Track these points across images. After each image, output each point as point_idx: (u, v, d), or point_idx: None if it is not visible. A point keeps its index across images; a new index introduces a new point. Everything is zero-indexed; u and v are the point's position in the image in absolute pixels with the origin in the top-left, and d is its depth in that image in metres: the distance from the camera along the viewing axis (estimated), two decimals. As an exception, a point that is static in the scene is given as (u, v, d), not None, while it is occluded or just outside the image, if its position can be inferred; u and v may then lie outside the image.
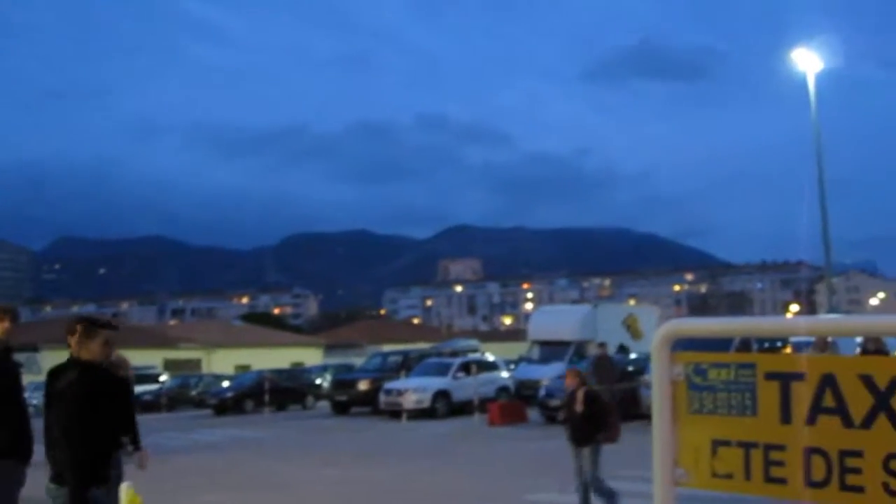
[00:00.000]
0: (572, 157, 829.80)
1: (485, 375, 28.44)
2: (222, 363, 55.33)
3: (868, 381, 2.11)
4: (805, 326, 2.36)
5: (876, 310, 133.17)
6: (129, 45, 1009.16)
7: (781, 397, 2.23)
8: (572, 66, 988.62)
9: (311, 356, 60.11)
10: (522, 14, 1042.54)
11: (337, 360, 52.56)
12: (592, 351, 26.26)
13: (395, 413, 26.66)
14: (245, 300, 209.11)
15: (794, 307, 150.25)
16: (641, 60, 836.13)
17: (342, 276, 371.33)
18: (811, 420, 2.18)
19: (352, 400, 30.13)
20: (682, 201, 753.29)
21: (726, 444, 2.30)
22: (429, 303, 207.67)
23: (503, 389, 28.39)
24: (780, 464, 2.22)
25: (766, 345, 19.18)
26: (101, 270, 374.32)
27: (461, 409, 26.76)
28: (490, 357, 33.18)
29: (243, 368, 50.52)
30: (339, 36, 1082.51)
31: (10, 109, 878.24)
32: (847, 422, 2.14)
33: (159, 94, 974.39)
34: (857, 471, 2.11)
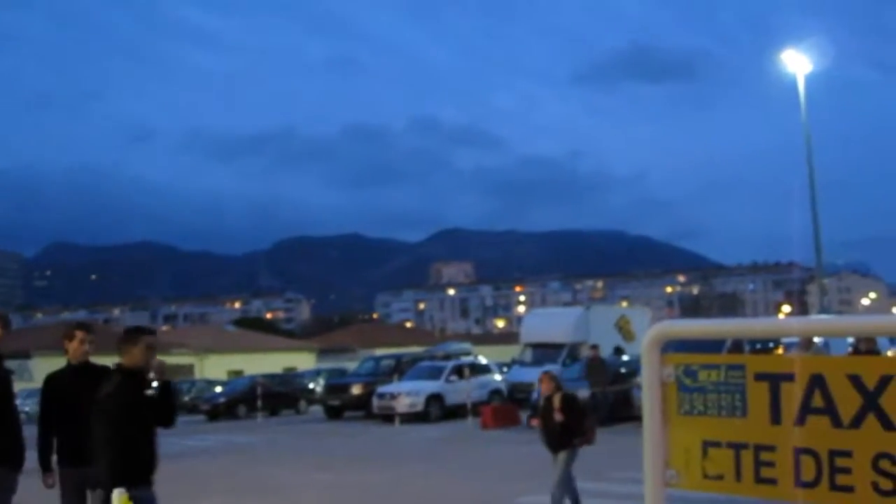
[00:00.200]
0: (565, 159, 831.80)
1: (478, 379, 28.44)
2: (215, 368, 55.20)
3: (856, 381, 2.12)
4: (794, 327, 2.37)
5: (867, 310, 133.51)
6: (120, 50, 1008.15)
7: (771, 398, 2.24)
8: (565, 69, 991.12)
9: (303, 361, 60.02)
10: (515, 17, 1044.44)
11: (330, 364, 52.49)
12: (585, 353, 26.27)
13: (388, 417, 26.63)
14: (237, 305, 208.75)
15: (786, 308, 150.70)
16: (633, 63, 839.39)
17: (335, 280, 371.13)
18: (801, 420, 2.19)
19: (345, 404, 30.08)
20: (674, 203, 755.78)
21: (717, 445, 2.30)
22: (421, 306, 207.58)
23: (496, 392, 28.39)
24: (770, 464, 2.22)
25: (759, 346, 19.23)
26: (93, 276, 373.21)
27: (454, 412, 26.74)
28: (483, 360, 33.18)
29: (236, 374, 50.41)
30: (332, 39, 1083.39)
31: (1, 114, 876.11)
32: (836, 422, 2.15)
33: (151, 99, 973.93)
34: (846, 470, 2.12)
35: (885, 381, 2.09)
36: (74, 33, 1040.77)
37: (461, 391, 26.64)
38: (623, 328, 31.47)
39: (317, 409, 33.24)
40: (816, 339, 18.12)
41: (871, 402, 2.10)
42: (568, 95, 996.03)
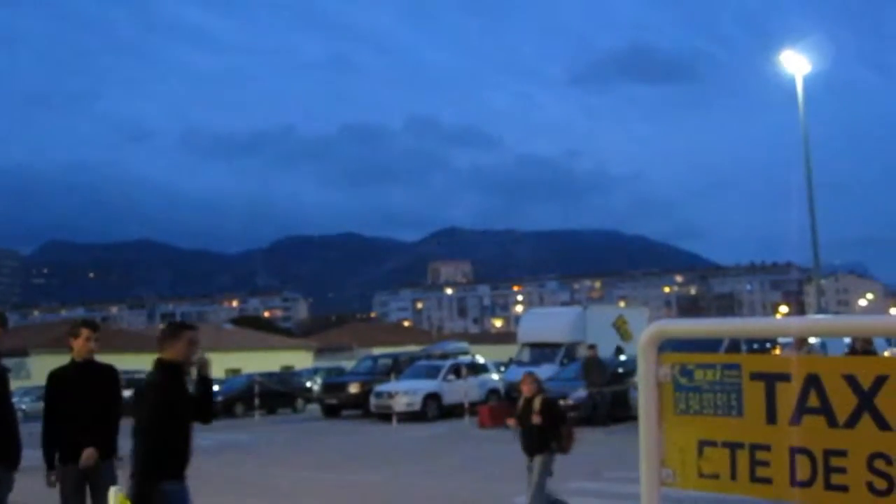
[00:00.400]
0: (562, 159, 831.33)
1: (475, 378, 28.45)
2: (212, 367, 55.14)
3: (852, 381, 2.13)
4: (789, 327, 2.38)
5: (864, 311, 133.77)
6: (117, 49, 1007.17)
7: (767, 398, 2.25)
8: (562, 69, 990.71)
9: (301, 359, 59.97)
10: (512, 17, 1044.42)
11: (327, 363, 52.50)
12: (582, 353, 26.29)
13: (385, 416, 26.63)
14: (235, 304, 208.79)
15: (784, 308, 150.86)
16: (631, 63, 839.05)
17: (332, 279, 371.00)
18: (796, 420, 2.20)
19: (342, 403, 30.08)
20: (672, 203, 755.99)
21: (712, 444, 2.31)
22: (419, 305, 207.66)
23: (493, 392, 28.39)
24: (765, 464, 2.23)
25: (755, 346, 19.25)
26: (91, 274, 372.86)
27: (451, 411, 26.74)
28: (480, 359, 33.19)
29: (233, 372, 50.32)
30: (328, 39, 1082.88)
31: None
32: (832, 421, 2.16)
33: (148, 98, 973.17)
34: (841, 470, 2.13)
35: (880, 381, 2.10)
36: (71, 32, 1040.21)
37: (458, 390, 26.64)
38: (620, 328, 31.47)
39: (314, 408, 33.22)
40: (813, 340, 18.18)
41: (866, 402, 2.11)
42: (565, 95, 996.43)
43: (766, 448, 2.23)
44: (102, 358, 7.07)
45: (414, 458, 17.61)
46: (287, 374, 42.42)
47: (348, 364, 42.54)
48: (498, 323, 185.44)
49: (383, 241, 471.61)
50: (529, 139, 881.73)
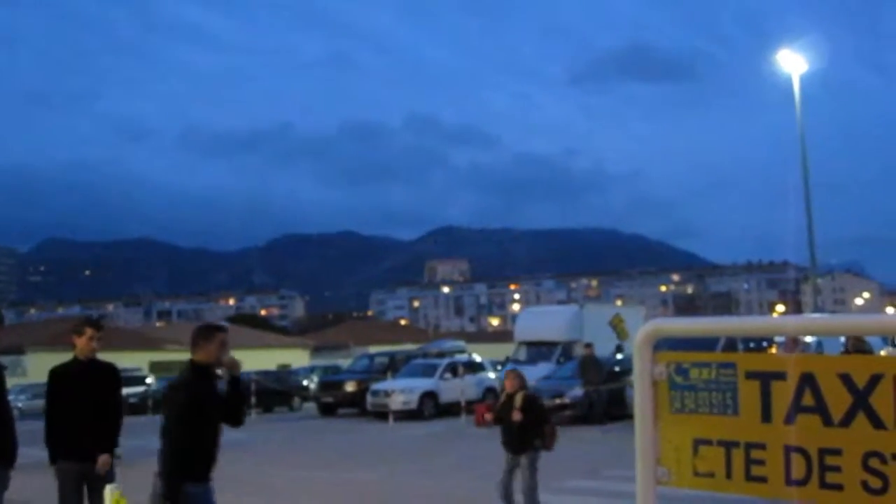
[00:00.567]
0: (560, 158, 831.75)
1: (472, 376, 28.46)
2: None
3: (847, 380, 2.13)
4: (785, 326, 2.38)
5: (861, 310, 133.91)
6: (115, 48, 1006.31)
7: (762, 396, 2.25)
8: (561, 68, 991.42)
9: (297, 358, 59.97)
10: (511, 16, 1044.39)
11: (324, 361, 52.49)
12: (579, 351, 26.29)
13: (382, 414, 26.62)
14: (232, 302, 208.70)
15: (780, 307, 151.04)
16: (630, 62, 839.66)
17: (329, 277, 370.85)
18: (791, 419, 2.20)
19: (339, 401, 30.08)
20: (669, 202, 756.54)
21: (708, 443, 2.32)
22: (416, 304, 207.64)
23: (490, 390, 28.38)
24: (760, 462, 2.24)
25: (752, 345, 19.26)
26: (88, 272, 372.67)
27: (448, 410, 26.75)
28: (477, 358, 33.18)
29: (230, 370, 50.31)
30: (327, 37, 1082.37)
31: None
32: (827, 420, 2.16)
33: (146, 96, 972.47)
34: (836, 469, 2.14)
35: (875, 380, 2.10)
36: (71, 31, 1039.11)
37: (455, 389, 26.65)
38: (617, 327, 31.48)
39: (311, 407, 33.21)
40: (809, 339, 18.19)
41: (861, 400, 2.12)
42: (564, 94, 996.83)
43: (762, 447, 2.23)
44: (98, 355, 7.07)
45: (410, 457, 17.62)
46: (284, 372, 42.38)
47: (345, 362, 42.57)
48: (495, 321, 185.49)
49: (381, 240, 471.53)
50: (528, 138, 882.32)
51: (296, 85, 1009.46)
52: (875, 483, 2.08)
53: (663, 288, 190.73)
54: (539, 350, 29.83)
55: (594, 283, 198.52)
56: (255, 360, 51.63)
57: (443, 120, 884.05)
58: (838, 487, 2.13)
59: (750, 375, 2.27)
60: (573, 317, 31.11)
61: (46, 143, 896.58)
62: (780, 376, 2.22)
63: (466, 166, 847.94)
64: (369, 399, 27.42)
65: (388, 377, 29.30)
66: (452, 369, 28.38)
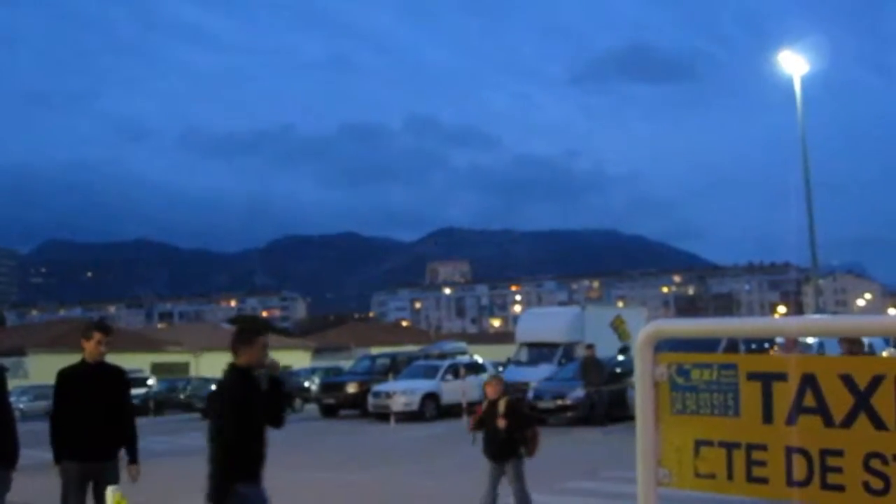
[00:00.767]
0: (561, 159, 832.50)
1: (473, 378, 28.41)
2: (210, 366, 55.04)
3: (848, 381, 2.13)
4: (787, 327, 2.38)
5: (862, 311, 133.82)
6: (115, 48, 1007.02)
7: (763, 397, 2.25)
8: (561, 69, 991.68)
9: (299, 359, 59.93)
10: (512, 16, 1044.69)
11: (325, 362, 52.44)
12: (580, 353, 26.27)
13: (383, 416, 26.61)
14: (233, 303, 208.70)
15: (782, 308, 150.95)
16: (630, 63, 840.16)
17: (330, 278, 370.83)
18: (792, 420, 2.20)
19: (340, 403, 30.07)
20: (670, 203, 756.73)
21: (709, 444, 2.32)
22: (417, 305, 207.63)
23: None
24: (761, 463, 2.24)
25: (754, 346, 19.25)
26: (89, 274, 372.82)
27: (449, 411, 26.73)
28: (478, 359, 33.16)
29: (231, 372, 50.28)
30: (328, 38, 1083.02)
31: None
32: (828, 421, 2.16)
33: (146, 97, 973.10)
34: (837, 470, 2.13)
35: (876, 381, 2.10)
36: (70, 31, 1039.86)
37: (456, 390, 26.63)
38: (618, 328, 31.46)
39: (312, 408, 33.21)
40: (811, 340, 18.18)
41: (862, 401, 2.11)
42: (564, 95, 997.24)
43: (763, 448, 2.23)
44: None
45: (412, 458, 17.61)
46: (285, 373, 42.34)
47: (346, 364, 42.51)
48: (496, 323, 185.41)
49: (382, 241, 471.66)
50: (528, 139, 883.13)
51: (296, 86, 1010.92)
52: (876, 484, 2.08)
53: (664, 289, 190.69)
54: (540, 351, 29.80)
55: (595, 284, 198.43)
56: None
57: (443, 121, 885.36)
58: (840, 488, 2.13)
59: (751, 376, 2.27)
60: (574, 318, 31.08)
61: (47, 143, 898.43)
62: (782, 377, 2.22)
63: (467, 167, 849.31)
64: (371, 400, 27.42)
65: (389, 379, 29.29)
66: (454, 371, 28.36)
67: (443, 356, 33.97)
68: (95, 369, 6.84)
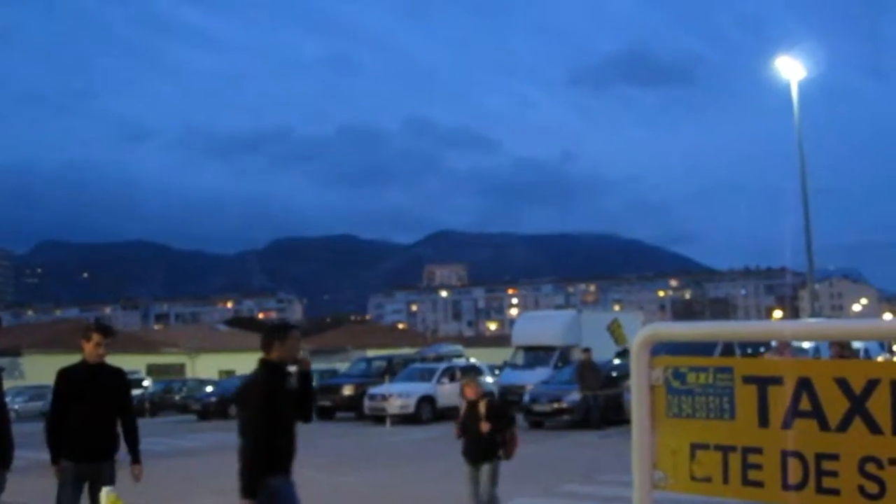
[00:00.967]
0: (558, 162, 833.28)
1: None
2: (206, 368, 55.08)
3: (844, 385, 2.14)
4: (782, 331, 2.39)
5: (858, 316, 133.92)
6: (113, 49, 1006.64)
7: (759, 401, 2.25)
8: (559, 72, 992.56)
9: (295, 361, 59.86)
10: (510, 19, 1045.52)
11: (321, 365, 52.35)
12: (577, 356, 26.28)
13: (379, 418, 26.60)
14: (229, 305, 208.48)
15: (778, 313, 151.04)
16: (628, 66, 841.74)
17: (327, 280, 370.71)
18: (788, 423, 2.20)
19: (336, 405, 30.05)
20: (667, 207, 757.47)
21: (705, 447, 2.32)
22: (414, 308, 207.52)
23: (488, 395, 28.35)
24: (757, 467, 2.24)
25: (750, 350, 19.28)
26: (85, 274, 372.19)
27: (445, 414, 26.68)
28: (475, 362, 33.15)
29: (227, 373, 50.31)
30: (326, 39, 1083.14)
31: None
32: (823, 425, 2.16)
33: (144, 98, 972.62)
34: (833, 473, 2.14)
35: (872, 385, 2.10)
36: (69, 30, 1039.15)
37: (453, 393, 26.56)
38: (615, 332, 31.49)
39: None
40: (807, 345, 18.19)
41: (857, 405, 2.12)
42: (562, 98, 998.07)
43: (759, 451, 2.24)
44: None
45: (408, 461, 17.61)
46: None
47: (342, 366, 42.48)
48: (492, 326, 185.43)
49: (379, 244, 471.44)
50: (526, 142, 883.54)
51: (294, 87, 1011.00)
52: (872, 488, 2.09)
53: (661, 293, 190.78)
54: (537, 355, 29.82)
55: (592, 287, 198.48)
56: (252, 363, 51.51)
57: (441, 123, 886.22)
58: (835, 492, 2.13)
59: (747, 380, 2.27)
60: (571, 322, 31.11)
61: (43, 143, 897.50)
62: (777, 381, 2.22)
63: (465, 170, 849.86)
64: (367, 403, 27.40)
65: (385, 381, 29.28)
66: (450, 374, 28.35)
67: (439, 359, 33.96)
68: (96, 370, 6.82)
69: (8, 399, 7.51)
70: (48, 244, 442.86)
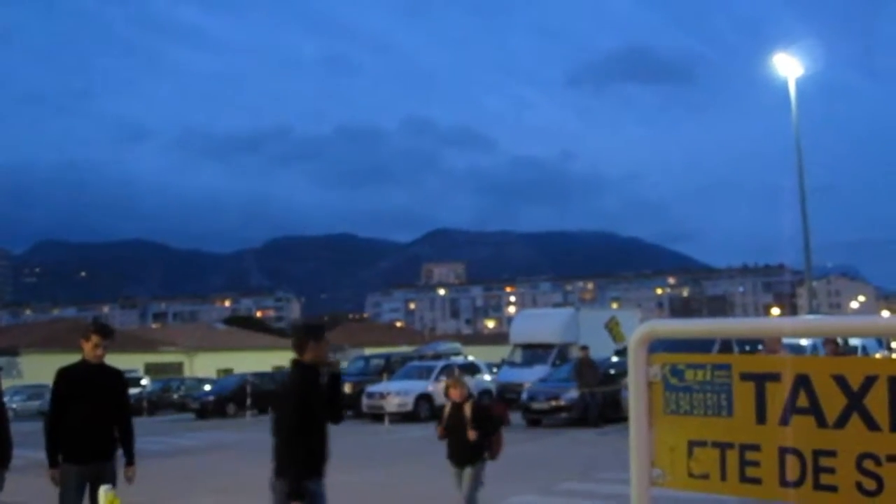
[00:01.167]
0: (557, 161, 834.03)
1: (468, 379, 28.41)
2: (204, 366, 55.08)
3: (841, 382, 2.13)
4: (780, 327, 2.39)
5: (856, 313, 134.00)
6: (112, 49, 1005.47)
7: (757, 398, 2.25)
8: (558, 71, 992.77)
9: (293, 359, 59.87)
10: (509, 18, 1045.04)
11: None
12: (575, 354, 26.29)
13: (377, 416, 26.60)
14: (227, 303, 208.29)
15: (776, 310, 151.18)
16: (626, 65, 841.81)
17: (325, 279, 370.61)
18: (786, 420, 2.20)
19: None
20: (665, 205, 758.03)
21: (702, 444, 2.31)
22: (412, 306, 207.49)
23: (486, 393, 28.37)
24: (755, 464, 2.24)
25: (748, 347, 19.28)
26: (83, 274, 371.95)
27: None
28: (473, 360, 33.15)
29: (225, 372, 50.35)
30: (325, 39, 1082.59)
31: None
32: (821, 422, 2.16)
33: (142, 98, 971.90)
34: (830, 470, 2.14)
35: (869, 382, 2.10)
36: (69, 30, 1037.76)
37: (451, 391, 26.60)
38: (613, 330, 31.51)
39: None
40: (805, 342, 18.20)
41: (855, 402, 2.12)
42: (560, 97, 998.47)
43: (756, 448, 2.23)
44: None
45: (405, 459, 17.61)
46: (279, 374, 42.31)
47: (340, 364, 42.50)
48: (490, 324, 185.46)
49: (377, 242, 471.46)
50: (524, 141, 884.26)
51: (292, 87, 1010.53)
52: (869, 485, 2.08)
53: (659, 291, 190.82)
54: (535, 352, 29.83)
55: (590, 285, 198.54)
56: (250, 361, 51.68)
57: (439, 122, 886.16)
58: (833, 489, 2.13)
59: (745, 377, 2.27)
60: (569, 319, 31.13)
61: (42, 143, 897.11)
62: (775, 378, 2.22)
63: (463, 168, 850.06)
64: (365, 401, 27.38)
65: (383, 379, 29.26)
66: (448, 372, 28.34)
67: (437, 357, 33.98)
68: (95, 370, 6.81)
69: (6, 398, 7.50)
70: (46, 243, 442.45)
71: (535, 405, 23.55)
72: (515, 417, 24.29)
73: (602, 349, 27.59)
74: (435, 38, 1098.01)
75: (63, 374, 6.83)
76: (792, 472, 2.18)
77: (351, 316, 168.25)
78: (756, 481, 2.23)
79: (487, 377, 30.18)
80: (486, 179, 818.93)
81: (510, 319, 64.86)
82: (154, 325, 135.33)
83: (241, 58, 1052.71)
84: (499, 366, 33.28)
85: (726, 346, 17.62)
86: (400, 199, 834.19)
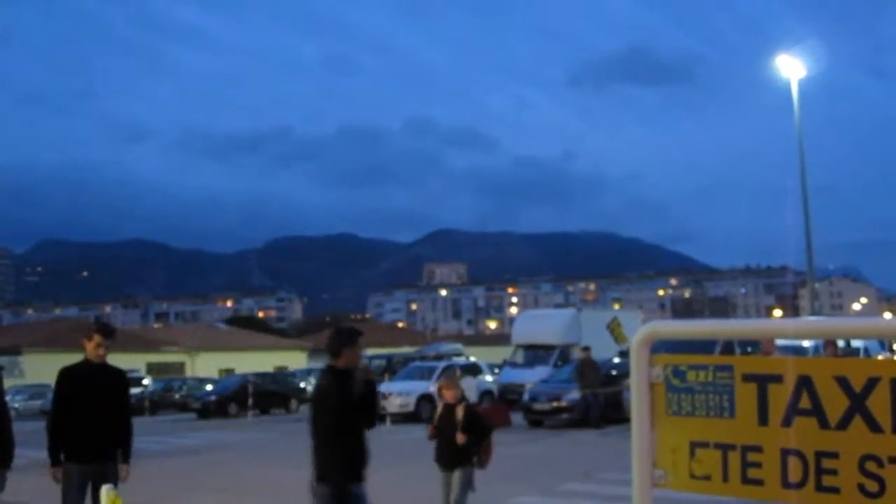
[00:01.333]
0: (558, 161, 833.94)
1: (469, 379, 28.42)
2: (206, 366, 55.08)
3: (843, 383, 2.13)
4: (782, 329, 2.39)
5: (858, 315, 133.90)
6: (113, 49, 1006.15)
7: (759, 399, 2.25)
8: (559, 71, 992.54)
9: (295, 360, 59.94)
10: (510, 19, 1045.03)
11: (321, 363, 52.36)
12: (577, 355, 26.28)
13: (379, 417, 26.58)
14: (229, 303, 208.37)
15: (778, 312, 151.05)
16: (628, 65, 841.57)
17: (327, 279, 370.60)
18: (788, 421, 2.20)
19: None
20: (667, 206, 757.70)
21: (704, 445, 2.31)
22: (413, 306, 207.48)
23: (487, 393, 28.38)
24: (757, 465, 2.23)
25: (750, 349, 19.27)
26: (84, 273, 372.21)
27: (445, 412, 26.71)
28: (474, 361, 33.15)
29: (227, 372, 50.34)
30: (327, 40, 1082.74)
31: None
32: (823, 423, 2.16)
33: (144, 98, 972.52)
34: (833, 472, 2.13)
35: (872, 383, 2.10)
36: (68, 31, 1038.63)
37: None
38: (615, 331, 31.50)
39: (307, 409, 33.18)
40: (807, 343, 18.19)
41: (858, 403, 2.11)
42: (562, 97, 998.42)
43: (758, 449, 2.23)
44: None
45: (407, 460, 17.58)
46: (281, 374, 42.38)
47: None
48: (492, 324, 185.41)
49: (378, 242, 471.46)
50: (526, 141, 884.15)
51: (294, 87, 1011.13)
52: (872, 486, 2.08)
53: (661, 292, 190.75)
54: (536, 353, 29.83)
55: (592, 286, 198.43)
56: (252, 361, 51.71)
57: (441, 122, 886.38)
58: (835, 490, 2.13)
59: (747, 378, 2.27)
60: (571, 320, 31.12)
61: (43, 143, 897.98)
62: (777, 379, 2.22)
63: (464, 169, 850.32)
64: (366, 401, 27.37)
65: (385, 380, 29.26)
66: (449, 372, 28.36)
67: (439, 357, 33.98)
68: (98, 370, 6.81)
69: (8, 398, 7.51)
70: (48, 243, 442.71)
71: (537, 406, 23.53)
72: (517, 418, 24.30)
73: (604, 350, 27.57)
74: (435, 39, 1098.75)
75: (65, 374, 6.83)
76: (794, 474, 2.18)
77: (352, 316, 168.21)
78: (758, 483, 2.23)
79: (489, 378, 30.18)
80: (487, 180, 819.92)
81: (512, 320, 64.87)
82: (156, 325, 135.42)
83: (241, 58, 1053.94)
84: (500, 366, 33.29)
85: (728, 347, 17.62)
86: (401, 199, 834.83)
